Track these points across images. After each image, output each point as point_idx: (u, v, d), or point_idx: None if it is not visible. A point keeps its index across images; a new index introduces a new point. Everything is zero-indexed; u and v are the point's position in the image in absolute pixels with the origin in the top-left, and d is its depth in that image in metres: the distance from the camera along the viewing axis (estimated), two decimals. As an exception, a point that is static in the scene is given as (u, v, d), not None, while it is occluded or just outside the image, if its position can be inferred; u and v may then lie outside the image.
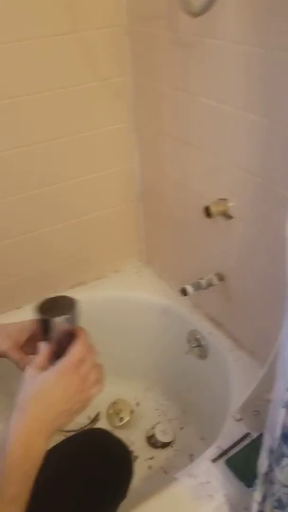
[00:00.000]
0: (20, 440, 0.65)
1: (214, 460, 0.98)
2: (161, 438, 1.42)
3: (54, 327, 0.77)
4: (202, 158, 1.12)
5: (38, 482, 0.66)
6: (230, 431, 1.03)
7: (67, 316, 0.77)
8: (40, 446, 0.66)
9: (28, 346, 0.84)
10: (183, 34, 1.03)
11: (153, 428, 1.46)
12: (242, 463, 0.95)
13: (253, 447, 0.97)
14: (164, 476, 1.33)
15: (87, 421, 1.51)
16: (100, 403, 1.54)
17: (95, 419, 1.52)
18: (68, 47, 1.16)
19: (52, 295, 0.80)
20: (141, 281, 1.55)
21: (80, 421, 1.50)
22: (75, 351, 0.71)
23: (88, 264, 1.52)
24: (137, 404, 1.56)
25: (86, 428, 1.48)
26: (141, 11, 1.15)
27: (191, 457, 1.38)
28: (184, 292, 1.19)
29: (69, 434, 1.43)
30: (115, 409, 1.53)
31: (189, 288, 1.19)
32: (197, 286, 1.19)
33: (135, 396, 1.58)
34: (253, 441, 0.99)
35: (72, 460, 0.94)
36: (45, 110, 1.20)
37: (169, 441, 1.43)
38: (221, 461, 0.97)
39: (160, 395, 1.58)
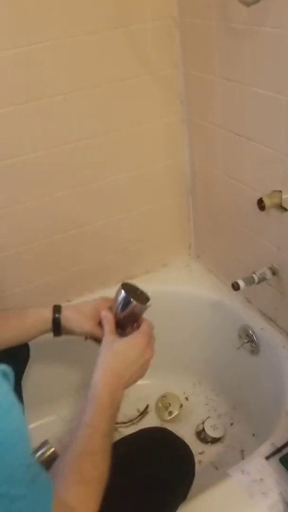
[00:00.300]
0: (106, 388, 0.81)
1: (267, 458, 0.96)
2: (211, 433, 1.41)
3: (132, 308, 0.95)
4: (255, 149, 1.09)
5: None
6: (285, 428, 1.01)
7: (144, 306, 0.96)
8: (119, 397, 0.83)
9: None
10: (236, 23, 1.01)
11: (202, 423, 1.45)
12: (297, 461, 0.93)
13: (309, 445, 0.95)
14: (215, 472, 1.33)
15: (137, 413, 1.52)
16: (149, 395, 1.55)
17: (144, 412, 1.52)
18: (118, 41, 1.16)
19: (130, 281, 1.00)
20: (190, 275, 1.54)
21: (130, 414, 1.51)
22: (145, 329, 0.91)
23: (137, 259, 1.53)
24: (186, 398, 1.56)
25: (135, 420, 1.50)
26: (191, 2, 1.14)
27: (242, 454, 1.36)
28: (236, 286, 1.17)
29: (119, 426, 1.46)
30: (164, 403, 1.53)
31: (241, 283, 1.16)
32: (250, 281, 1.17)
33: (184, 390, 1.58)
34: (309, 439, 0.97)
35: (133, 459, 0.91)
36: (96, 104, 1.21)
37: (219, 436, 1.41)
38: (275, 459, 0.95)
39: (209, 390, 1.56)
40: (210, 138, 1.26)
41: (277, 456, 0.95)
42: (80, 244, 1.39)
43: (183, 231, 1.57)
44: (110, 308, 1.00)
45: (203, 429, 1.42)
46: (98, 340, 1.00)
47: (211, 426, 1.43)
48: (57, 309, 1.05)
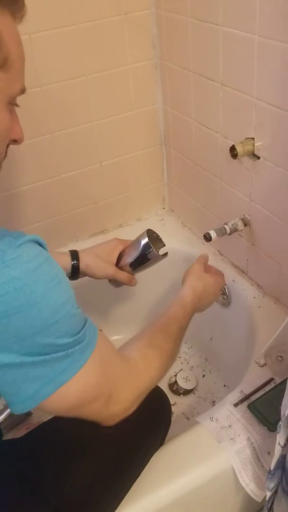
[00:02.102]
0: (190, 303, 0.97)
1: (236, 405, 0.97)
2: (183, 385, 1.43)
3: (151, 255, 1.08)
4: (228, 94, 1.06)
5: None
6: (254, 377, 1.02)
7: (160, 257, 1.11)
8: (193, 313, 0.99)
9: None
10: None
11: (175, 375, 1.46)
12: (265, 408, 0.94)
13: (277, 392, 0.96)
14: (186, 422, 1.34)
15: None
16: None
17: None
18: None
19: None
20: (164, 229, 1.51)
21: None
22: (222, 277, 1.12)
23: (110, 212, 1.49)
24: (160, 352, 1.56)
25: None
26: None
27: (213, 404, 1.38)
28: (207, 237, 1.15)
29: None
30: (137, 357, 1.53)
31: (213, 234, 1.15)
32: (221, 232, 1.16)
33: (157, 344, 1.58)
34: (277, 386, 0.98)
35: None
36: (64, 47, 1.15)
37: (191, 388, 1.43)
38: (244, 406, 0.96)
39: (182, 343, 1.56)
40: (183, 84, 1.21)
41: (246, 403, 0.96)
42: (49, 196, 1.35)
43: (157, 184, 1.54)
44: (127, 248, 1.11)
45: (176, 381, 1.44)
46: (125, 282, 1.12)
47: (183, 378, 1.44)
48: (74, 255, 1.07)
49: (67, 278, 0.65)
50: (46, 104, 1.20)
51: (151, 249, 1.08)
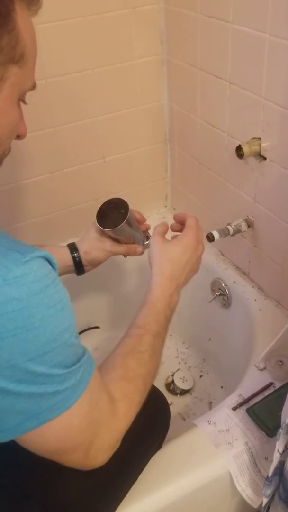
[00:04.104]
0: (163, 293, 0.85)
1: (234, 408, 0.96)
2: (180, 385, 1.42)
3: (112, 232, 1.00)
4: (235, 93, 1.04)
5: None
6: (253, 380, 1.01)
7: (120, 227, 0.97)
8: (176, 299, 0.88)
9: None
10: None
11: (172, 375, 1.45)
12: (263, 412, 0.93)
13: (276, 396, 0.95)
14: (182, 423, 1.33)
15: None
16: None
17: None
18: None
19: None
20: (165, 227, 1.50)
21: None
22: (192, 226, 0.93)
23: (112, 208, 1.48)
24: (157, 351, 1.55)
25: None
26: None
27: (210, 405, 1.37)
28: (210, 237, 1.14)
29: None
30: (135, 355, 1.52)
31: (216, 234, 1.14)
32: (224, 232, 1.14)
33: (155, 343, 1.57)
34: (277, 390, 0.97)
35: None
36: (69, 38, 1.13)
37: (188, 388, 1.42)
38: (242, 410, 0.95)
39: (180, 343, 1.56)
40: (190, 81, 1.20)
41: (244, 407, 0.95)
42: (50, 190, 1.33)
43: (160, 182, 1.52)
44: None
45: (173, 381, 1.43)
46: (127, 254, 1.07)
47: (181, 378, 1.43)
48: (72, 247, 1.05)
49: (71, 304, 0.60)
50: (51, 97, 1.18)
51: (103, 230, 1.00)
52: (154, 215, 1.55)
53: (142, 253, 1.08)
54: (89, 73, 1.20)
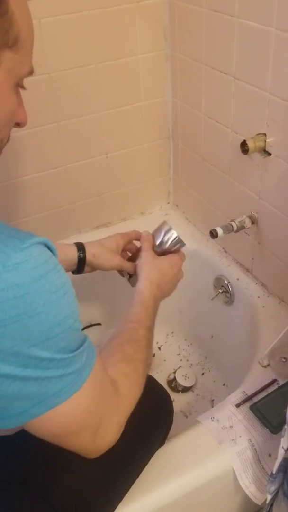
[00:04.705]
0: (151, 296, 0.92)
1: (238, 405, 0.95)
2: (182, 382, 1.41)
3: (178, 246, 1.05)
4: (240, 88, 1.03)
5: None
6: (256, 377, 1.00)
7: (181, 244, 1.05)
8: (158, 306, 0.95)
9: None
10: None
11: (174, 372, 1.44)
12: (267, 409, 0.92)
13: (280, 393, 0.95)
14: (184, 420, 1.33)
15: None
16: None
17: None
18: None
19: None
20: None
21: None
22: (180, 255, 1.04)
23: (114, 205, 1.47)
24: (159, 348, 1.55)
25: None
26: None
27: (212, 403, 1.36)
28: (214, 234, 1.13)
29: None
30: (136, 352, 1.51)
31: (219, 230, 1.13)
32: (228, 229, 1.14)
33: (157, 340, 1.56)
34: (280, 387, 0.96)
35: None
36: (72, 32, 1.12)
37: (190, 385, 1.41)
38: (246, 407, 0.95)
39: (182, 341, 1.55)
40: (194, 77, 1.19)
41: (248, 404, 0.95)
42: (54, 186, 1.32)
43: (162, 178, 1.51)
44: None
45: (175, 378, 1.42)
46: (125, 272, 1.10)
47: (183, 375, 1.42)
48: (80, 246, 1.04)
49: (73, 290, 0.59)
50: (53, 91, 1.18)
51: (181, 241, 1.05)
52: (157, 211, 1.54)
53: None
54: (92, 68, 1.19)
